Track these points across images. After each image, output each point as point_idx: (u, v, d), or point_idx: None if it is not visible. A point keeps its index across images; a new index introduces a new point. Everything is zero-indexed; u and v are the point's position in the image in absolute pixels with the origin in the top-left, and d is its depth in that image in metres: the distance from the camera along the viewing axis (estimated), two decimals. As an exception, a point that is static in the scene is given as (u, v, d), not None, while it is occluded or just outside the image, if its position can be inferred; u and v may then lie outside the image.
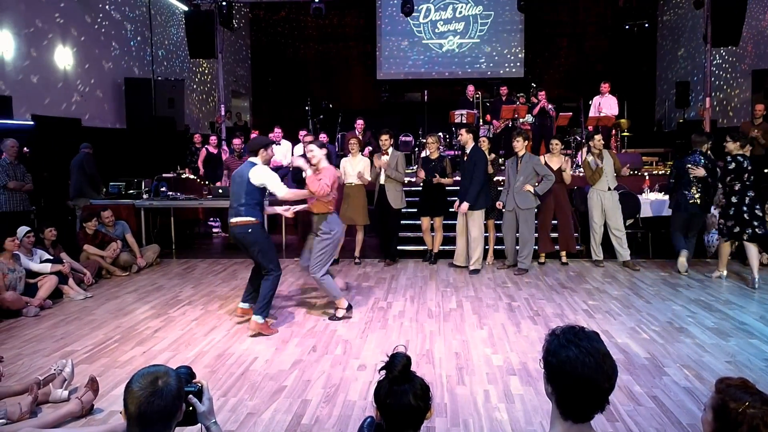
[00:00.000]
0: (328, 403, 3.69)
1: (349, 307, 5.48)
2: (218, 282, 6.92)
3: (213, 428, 2.01)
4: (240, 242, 5.09)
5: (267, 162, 5.13)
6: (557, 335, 1.63)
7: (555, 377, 1.60)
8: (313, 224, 5.37)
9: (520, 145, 7.14)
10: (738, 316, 5.36)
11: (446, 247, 7.96)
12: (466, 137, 7.27)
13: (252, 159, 5.08)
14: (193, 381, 2.03)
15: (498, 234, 7.70)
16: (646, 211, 7.99)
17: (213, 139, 10.63)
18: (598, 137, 7.52)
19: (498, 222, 7.65)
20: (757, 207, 6.40)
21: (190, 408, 1.96)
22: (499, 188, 7.70)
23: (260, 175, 4.96)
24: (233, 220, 5.01)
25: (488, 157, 7.56)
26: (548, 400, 1.67)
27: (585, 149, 10.49)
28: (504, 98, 11.39)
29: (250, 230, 4.95)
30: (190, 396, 1.96)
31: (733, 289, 6.32)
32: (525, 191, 7.07)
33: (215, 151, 10.40)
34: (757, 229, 6.32)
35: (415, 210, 8.01)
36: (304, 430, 3.36)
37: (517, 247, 7.38)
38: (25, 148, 7.45)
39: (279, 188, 5.03)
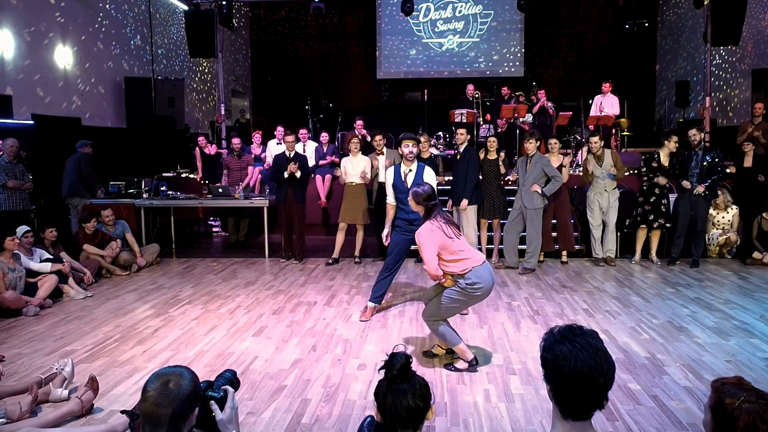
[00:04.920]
0: (328, 402, 3.69)
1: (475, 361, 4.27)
2: (218, 281, 6.92)
3: None
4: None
5: None
6: (553, 333, 1.66)
7: (551, 373, 1.62)
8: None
9: (532, 146, 7.15)
10: (738, 315, 5.36)
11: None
12: (465, 137, 7.28)
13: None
14: (222, 387, 1.98)
15: (502, 234, 7.69)
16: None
17: (201, 139, 10.52)
18: (594, 139, 7.52)
19: (503, 221, 7.64)
20: (664, 201, 7.40)
21: (212, 414, 1.91)
22: (506, 187, 7.70)
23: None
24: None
25: (498, 156, 7.53)
26: (549, 400, 1.67)
27: (585, 149, 10.52)
28: (506, 98, 11.39)
29: None
30: (212, 402, 1.92)
31: (733, 289, 6.33)
32: (532, 191, 7.08)
33: (207, 151, 10.37)
34: (662, 219, 7.41)
35: None
36: (304, 430, 3.36)
37: (521, 247, 7.39)
38: (22, 152, 7.44)
39: None
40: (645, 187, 7.49)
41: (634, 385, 3.88)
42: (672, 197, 7.74)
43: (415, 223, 5.19)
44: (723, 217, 7.84)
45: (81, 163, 8.08)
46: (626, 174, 7.77)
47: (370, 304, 5.49)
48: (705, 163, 7.14)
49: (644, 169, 7.50)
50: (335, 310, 5.68)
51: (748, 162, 8.30)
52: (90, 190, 8.35)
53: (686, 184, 7.24)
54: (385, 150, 7.66)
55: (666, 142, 7.45)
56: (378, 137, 7.61)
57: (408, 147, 5.41)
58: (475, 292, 4.09)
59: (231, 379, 2.06)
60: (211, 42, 11.52)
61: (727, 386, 1.70)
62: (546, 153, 7.92)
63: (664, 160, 7.40)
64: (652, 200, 7.40)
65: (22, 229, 6.09)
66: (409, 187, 5.24)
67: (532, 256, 7.20)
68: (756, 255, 7.43)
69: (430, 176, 5.36)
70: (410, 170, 5.42)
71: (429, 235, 4.07)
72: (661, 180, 7.32)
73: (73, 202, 8.17)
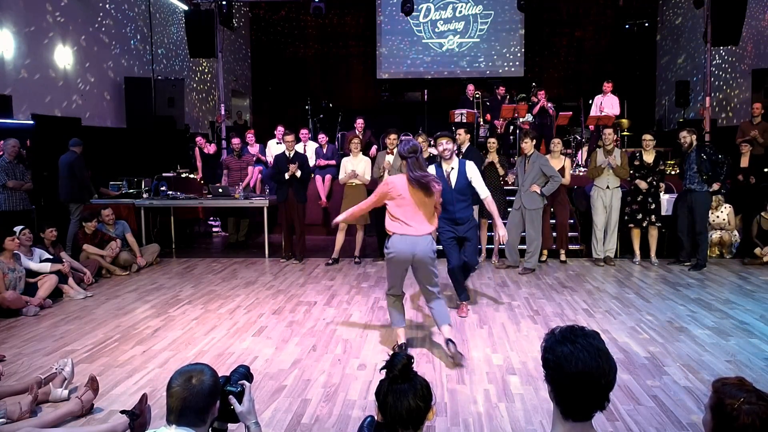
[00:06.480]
0: (328, 402, 3.69)
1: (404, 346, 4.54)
2: (218, 281, 6.92)
3: (252, 428, 2.15)
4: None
5: None
6: (554, 333, 1.65)
7: (552, 374, 1.61)
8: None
9: (528, 146, 7.14)
10: (738, 315, 5.36)
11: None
12: (464, 137, 7.28)
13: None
14: (239, 382, 2.15)
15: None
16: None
17: (199, 139, 10.50)
18: (608, 131, 7.59)
19: (503, 221, 7.64)
20: (650, 200, 7.43)
21: (231, 407, 2.09)
22: (506, 187, 7.69)
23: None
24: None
25: (496, 157, 7.54)
26: (549, 400, 1.67)
27: (585, 149, 10.52)
28: (500, 98, 11.39)
29: None
30: (231, 396, 2.10)
31: (733, 289, 6.33)
32: (531, 191, 7.08)
33: (206, 150, 10.35)
34: (648, 218, 7.46)
35: None
36: (304, 430, 3.36)
37: (522, 247, 7.39)
38: (22, 150, 7.41)
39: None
40: (632, 187, 7.51)
41: (634, 385, 3.88)
42: (671, 197, 7.75)
43: (460, 221, 5.30)
44: (717, 216, 7.85)
45: (74, 168, 7.91)
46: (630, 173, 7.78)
47: (461, 302, 5.58)
48: (702, 159, 7.04)
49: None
50: (335, 310, 5.68)
51: (744, 162, 8.36)
52: (88, 192, 8.27)
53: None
54: (395, 150, 7.64)
55: (642, 140, 7.51)
56: (393, 136, 7.58)
57: (443, 145, 5.19)
58: (389, 257, 4.35)
59: (245, 373, 2.21)
60: (211, 42, 11.52)
61: (728, 387, 1.70)
62: (548, 153, 7.93)
63: (647, 158, 7.42)
64: (638, 199, 7.45)
65: (17, 229, 6.06)
66: (453, 186, 5.17)
67: (532, 256, 7.20)
68: (757, 251, 7.41)
69: (473, 171, 5.21)
70: (452, 168, 5.21)
71: (384, 186, 4.37)
72: (641, 184, 7.35)
73: (71, 207, 8.09)
